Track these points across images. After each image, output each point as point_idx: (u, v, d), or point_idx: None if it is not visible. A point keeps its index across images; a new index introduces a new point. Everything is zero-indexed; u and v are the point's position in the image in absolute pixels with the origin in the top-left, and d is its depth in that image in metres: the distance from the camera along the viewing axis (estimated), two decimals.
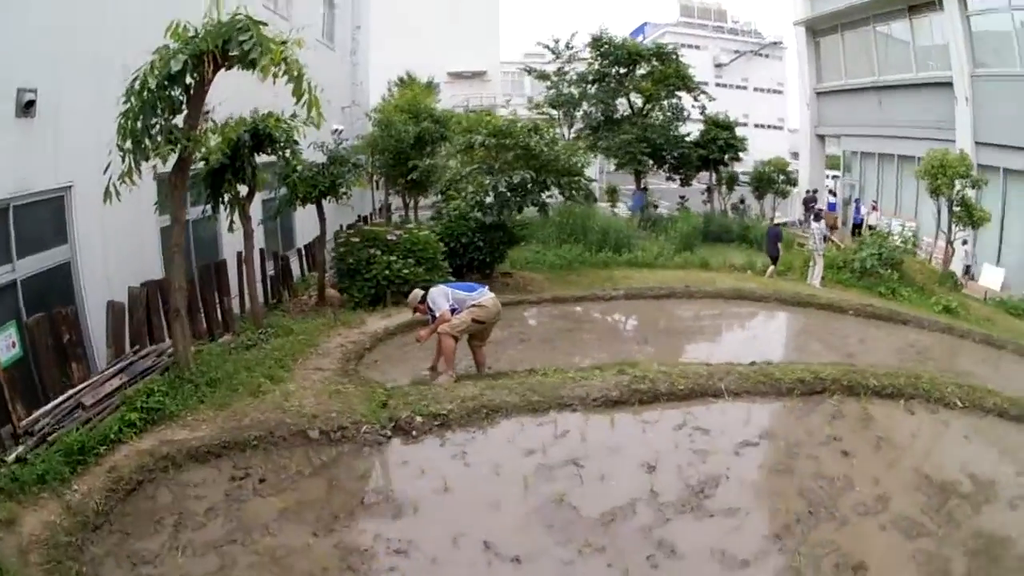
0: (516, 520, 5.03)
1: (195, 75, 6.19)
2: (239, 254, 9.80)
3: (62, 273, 7.57)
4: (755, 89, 55.41)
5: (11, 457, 5.01)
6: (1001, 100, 17.97)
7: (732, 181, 23.71)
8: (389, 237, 10.35)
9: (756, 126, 31.64)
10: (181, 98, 6.52)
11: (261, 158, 8.92)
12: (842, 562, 4.81)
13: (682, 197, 24.31)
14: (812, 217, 17.48)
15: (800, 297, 13.24)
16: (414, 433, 6.04)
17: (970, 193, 16.15)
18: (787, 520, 5.30)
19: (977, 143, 18.31)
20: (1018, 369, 10.52)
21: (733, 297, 13.04)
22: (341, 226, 13.96)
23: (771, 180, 23.40)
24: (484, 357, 7.76)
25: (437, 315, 7.27)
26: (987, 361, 10.74)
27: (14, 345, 5.93)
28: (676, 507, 5.24)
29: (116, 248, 8.57)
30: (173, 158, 6.64)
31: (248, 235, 9.07)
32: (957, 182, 15.82)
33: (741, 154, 22.61)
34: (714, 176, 22.87)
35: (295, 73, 5.91)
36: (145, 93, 6.06)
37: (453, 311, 7.25)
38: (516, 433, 6.26)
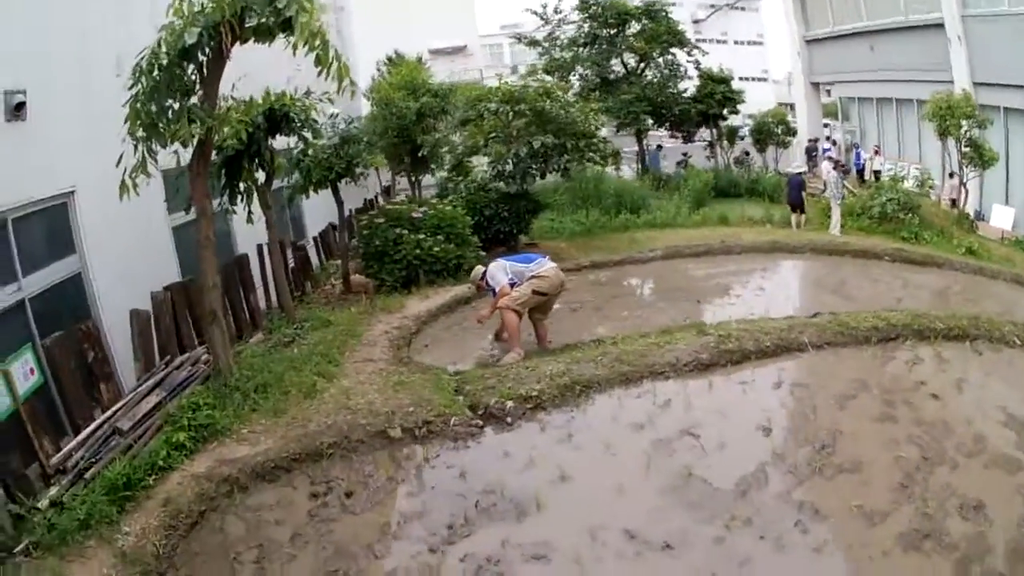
0: (650, 502, 5.16)
1: (210, 49, 6.19)
2: (259, 247, 9.85)
3: (74, 286, 7.55)
4: (735, 42, 57.83)
5: (45, 502, 4.57)
6: (995, 39, 19.18)
7: (733, 135, 25.10)
8: (415, 215, 10.85)
9: (741, 79, 33.05)
10: (193, 77, 6.47)
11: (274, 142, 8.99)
12: (964, 503, 5.46)
13: (685, 154, 25.66)
14: (833, 166, 18.37)
15: (834, 245, 14.35)
16: (508, 420, 6.06)
17: (977, 133, 17.33)
18: (907, 468, 5.94)
19: (975, 83, 19.55)
20: None
21: (770, 250, 14.01)
22: (350, 211, 14.09)
23: (772, 132, 24.76)
24: (546, 331, 8.01)
25: (497, 290, 7.58)
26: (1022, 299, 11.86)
27: (32, 372, 5.44)
28: (804, 468, 5.64)
29: (129, 253, 8.56)
30: (192, 144, 6.57)
31: (271, 224, 9.16)
32: (964, 123, 17.02)
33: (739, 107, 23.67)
34: (715, 131, 24.25)
35: (320, 40, 5.81)
36: (157, 72, 5.97)
37: (512, 285, 7.54)
38: (616, 408, 6.51)
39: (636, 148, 23.99)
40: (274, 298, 9.68)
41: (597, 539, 4.76)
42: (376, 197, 17.79)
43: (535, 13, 23.97)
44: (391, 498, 5.22)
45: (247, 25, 6.03)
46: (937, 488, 5.67)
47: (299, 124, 8.47)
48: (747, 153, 26.15)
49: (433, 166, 15.61)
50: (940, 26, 20.93)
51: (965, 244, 15.41)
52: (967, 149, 17.33)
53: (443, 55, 40.26)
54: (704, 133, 24.83)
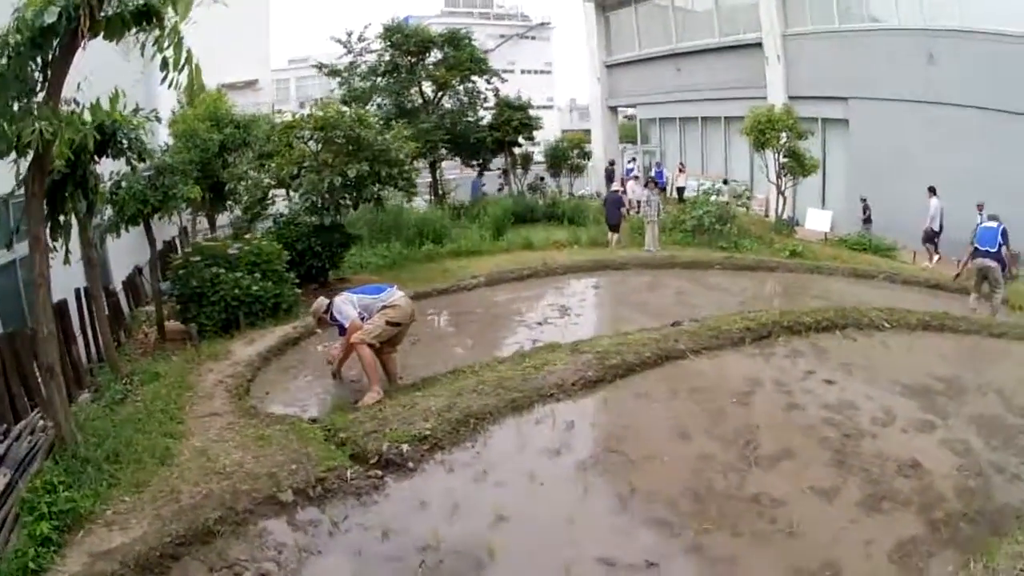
0: (608, 525, 5.48)
1: (63, 35, 5.70)
2: (78, 292, 9.41)
3: None
4: (522, 71, 64.61)
5: None
6: (813, 56, 23.41)
7: (527, 161, 27.73)
8: (230, 252, 10.91)
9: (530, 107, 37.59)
10: (37, 74, 5.85)
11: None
12: (900, 465, 6.35)
13: (478, 183, 27.35)
14: (645, 184, 20.50)
15: (660, 260, 16.27)
16: (410, 465, 6.13)
17: (797, 144, 20.46)
18: (834, 447, 6.74)
19: (791, 97, 23.46)
20: (896, 292, 14.18)
21: (595, 268, 15.48)
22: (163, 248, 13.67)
23: (566, 156, 27.92)
24: (396, 365, 8.35)
25: (346, 325, 7.83)
26: (866, 290, 14.15)
27: None
28: (740, 464, 6.33)
29: None
30: (27, 158, 5.90)
31: (93, 264, 8.90)
32: (784, 135, 20.01)
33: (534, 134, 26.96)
34: (509, 158, 26.51)
35: (176, 37, 5.66)
36: (6, 58, 5.43)
37: (362, 319, 7.79)
38: (519, 437, 6.82)
39: (430, 179, 25.38)
40: (94, 350, 9.57)
41: (576, 575, 4.87)
42: (174, 240, 17.30)
43: (339, 41, 25.19)
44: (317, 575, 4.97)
45: (101, 15, 5.58)
46: (870, 458, 6.52)
47: (127, 145, 8.20)
48: (542, 179, 28.54)
49: (230, 202, 15.93)
50: (754, 45, 25.05)
51: (789, 248, 18.16)
52: (786, 159, 20.21)
53: (234, 89, 40.95)
54: (498, 161, 27.56)
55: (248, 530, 5.30)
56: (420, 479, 6.06)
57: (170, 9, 5.48)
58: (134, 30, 5.62)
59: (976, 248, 12.38)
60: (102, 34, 5.63)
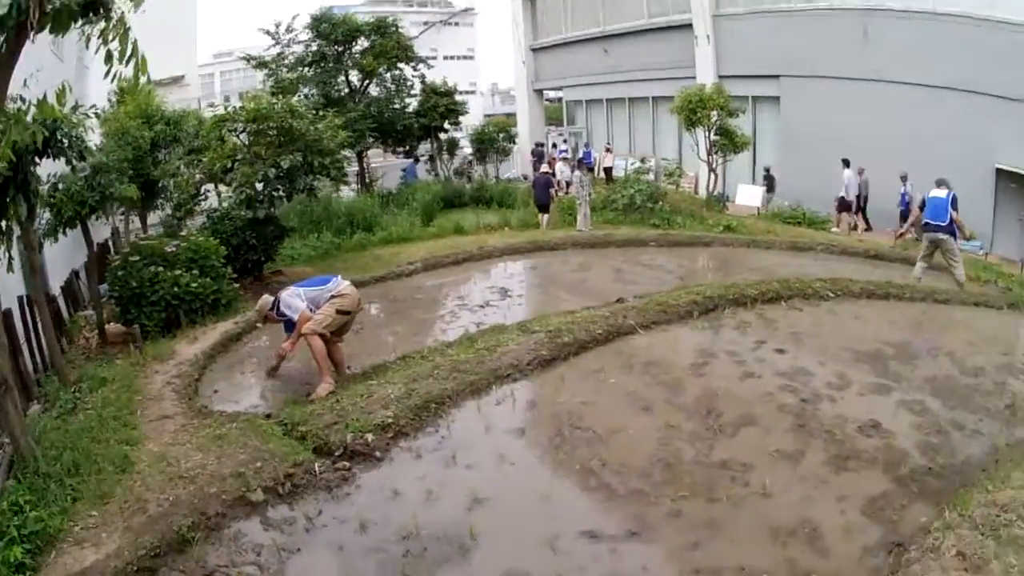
0: (585, 500, 5.64)
1: (12, 26, 5.49)
2: (21, 299, 9.19)
3: None
4: (445, 57, 67.12)
5: None
6: (743, 35, 24.18)
7: (453, 147, 28.67)
8: (168, 249, 10.91)
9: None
10: None
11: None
12: (861, 426, 6.67)
13: (404, 170, 27.72)
14: (576, 166, 20.82)
15: (595, 239, 16.58)
16: (377, 454, 6.19)
17: (730, 121, 21.09)
18: (794, 411, 7.03)
19: (720, 76, 24.23)
20: (836, 262, 14.71)
21: (531, 250, 15.77)
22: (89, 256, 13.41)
23: (492, 140, 28.92)
24: (343, 355, 8.48)
25: (295, 319, 7.90)
26: (806, 262, 14.62)
27: None
28: (705, 433, 6.59)
29: None
30: None
31: (36, 270, 8.89)
32: (714, 113, 20.57)
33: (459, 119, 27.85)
34: (435, 144, 27.35)
35: (122, 29, 5.57)
36: None
37: (310, 311, 7.94)
38: (482, 419, 6.95)
39: (357, 168, 25.53)
40: (38, 359, 9.42)
41: (562, 550, 4.99)
42: (107, 241, 16.94)
43: (267, 33, 25.38)
44: (300, 574, 4.96)
45: (49, 7, 5.36)
46: (830, 420, 6.83)
47: (67, 144, 8.04)
48: (470, 163, 29.20)
49: (161, 200, 16.00)
50: (684, 27, 25.80)
51: (723, 223, 18.50)
52: (717, 137, 20.71)
53: (162, 86, 40.64)
54: (425, 147, 28.10)
55: (223, 534, 5.24)
56: (389, 468, 6.09)
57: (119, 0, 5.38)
58: (80, 22, 5.51)
59: (927, 222, 12.50)
60: (48, 28, 5.50)
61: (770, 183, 22.62)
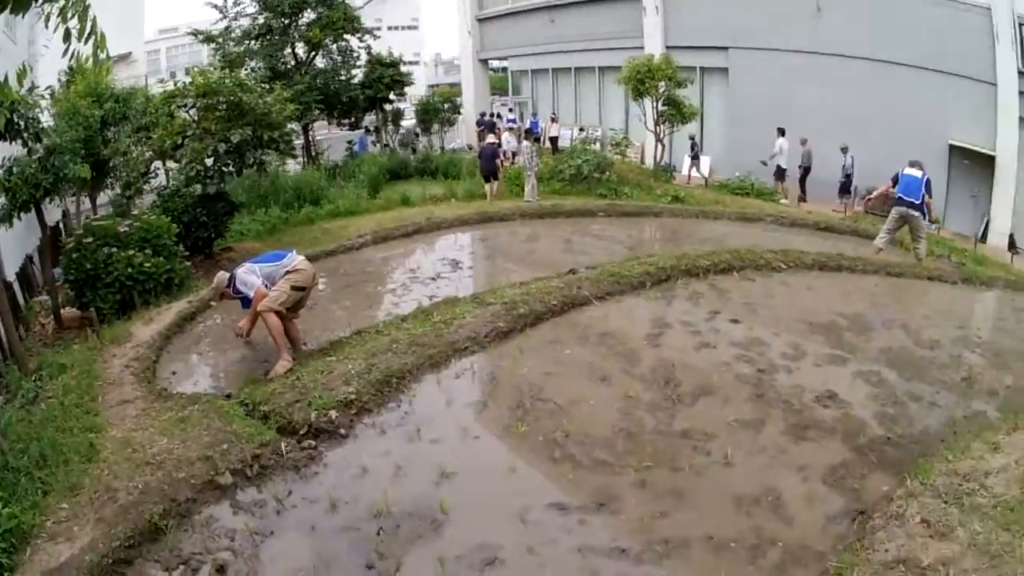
0: (551, 471, 5.65)
1: None
2: None
3: None
4: (389, 28, 67.15)
5: None
6: (691, 6, 24.45)
7: (398, 118, 29.01)
8: (121, 229, 10.78)
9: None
10: None
11: None
12: (819, 396, 6.82)
13: (349, 142, 27.73)
14: (524, 136, 20.89)
15: (544, 209, 16.69)
16: (342, 432, 6.16)
17: (678, 92, 21.34)
18: (751, 382, 7.16)
19: (668, 47, 24.49)
20: (785, 233, 15.08)
21: (480, 221, 15.82)
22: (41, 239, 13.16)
23: (437, 110, 29.30)
24: (299, 331, 8.42)
25: (251, 295, 7.84)
26: (755, 232, 14.95)
27: None
28: (664, 403, 6.68)
29: None
30: None
31: None
32: (662, 84, 20.78)
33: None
34: (380, 115, 27.66)
35: (82, 6, 5.39)
36: None
37: (265, 288, 7.91)
38: (443, 392, 6.97)
39: (302, 141, 25.49)
40: None
41: (532, 522, 5.01)
42: (59, 223, 16.63)
43: (214, 6, 25.13)
44: (275, 557, 4.85)
45: None
46: (787, 390, 6.96)
47: (23, 126, 8.07)
48: (417, 134, 29.27)
49: (111, 180, 15.89)
50: None
51: (671, 193, 19.04)
52: (665, 108, 21.09)
53: (110, 61, 39.69)
54: (370, 118, 28.31)
55: (194, 520, 5.18)
56: (354, 445, 6.07)
57: None
58: (40, 1, 5.27)
59: (900, 197, 12.68)
60: (10, 8, 5.24)
61: (695, 152, 23.42)
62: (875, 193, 13.86)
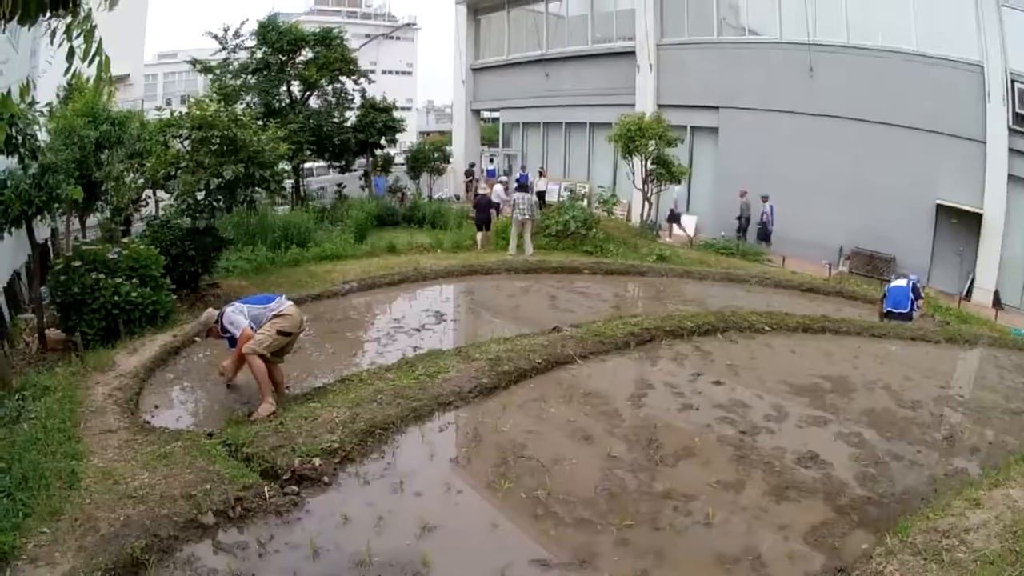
0: (533, 528, 5.72)
1: None
2: None
3: None
4: (384, 72, 70.05)
5: None
6: (684, 66, 25.41)
7: (388, 163, 29.40)
8: (110, 256, 10.88)
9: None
10: None
11: None
12: (800, 457, 7.07)
13: (339, 185, 27.83)
14: (518, 188, 21.39)
15: (529, 265, 17.02)
16: (325, 479, 6.26)
17: (667, 151, 21.96)
18: (733, 443, 7.39)
19: (660, 105, 25.37)
20: (771, 295, 15.42)
21: (465, 274, 16.07)
22: (29, 257, 13.24)
23: (427, 158, 29.74)
24: (282, 376, 8.48)
25: (237, 335, 7.94)
26: (740, 293, 15.37)
27: None
28: (646, 463, 6.85)
29: None
30: None
31: None
32: (652, 142, 21.35)
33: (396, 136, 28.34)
34: (371, 160, 27.92)
35: (88, 25, 5.58)
36: None
37: (252, 330, 7.96)
38: (427, 446, 7.09)
39: (293, 180, 25.64)
40: None
41: None
42: (47, 242, 16.63)
43: (215, 37, 25.37)
44: None
45: None
46: (768, 452, 7.19)
47: (20, 141, 8.18)
48: (404, 187, 29.65)
49: (102, 203, 15.91)
50: (626, 54, 26.97)
51: (656, 252, 19.47)
52: (654, 166, 21.73)
53: (112, 85, 39.87)
54: (360, 162, 28.46)
55: (176, 557, 5.25)
56: (338, 493, 6.17)
57: None
58: (48, 15, 5.51)
59: (889, 311, 13.11)
60: (17, 18, 5.47)
61: (674, 218, 24.07)
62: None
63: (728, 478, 6.60)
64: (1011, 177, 18.07)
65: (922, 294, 13.50)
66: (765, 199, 21.58)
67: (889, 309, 13.09)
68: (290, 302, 8.45)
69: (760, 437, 7.53)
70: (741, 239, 22.10)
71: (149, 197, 16.11)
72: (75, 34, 5.31)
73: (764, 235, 21.77)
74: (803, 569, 5.21)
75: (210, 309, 8.53)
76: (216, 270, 14.85)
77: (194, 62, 25.94)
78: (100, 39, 5.37)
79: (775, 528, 5.77)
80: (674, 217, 23.16)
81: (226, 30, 25.15)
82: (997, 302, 18.10)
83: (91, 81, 5.86)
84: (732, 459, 7.01)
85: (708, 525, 5.79)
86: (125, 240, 12.34)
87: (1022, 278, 18.57)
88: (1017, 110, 17.77)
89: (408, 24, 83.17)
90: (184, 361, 9.83)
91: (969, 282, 18.91)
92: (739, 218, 22.46)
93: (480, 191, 22.19)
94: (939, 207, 19.34)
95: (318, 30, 25.41)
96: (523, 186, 21.27)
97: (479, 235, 20.03)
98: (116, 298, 10.55)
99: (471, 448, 7.11)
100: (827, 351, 10.75)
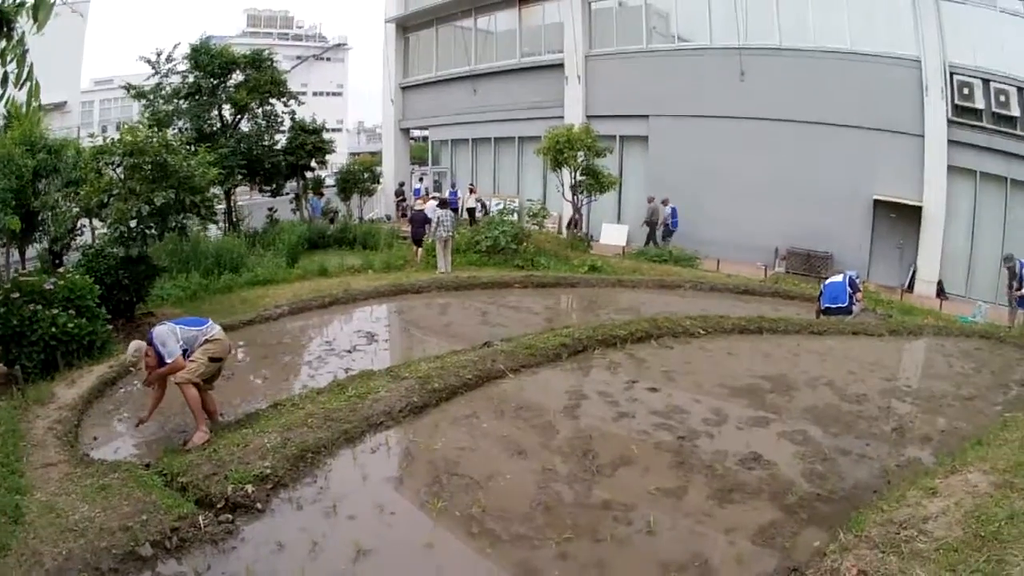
0: (471, 547, 5.56)
1: None
2: None
3: None
4: (315, 93, 70.45)
5: None
6: (611, 76, 25.59)
7: (319, 186, 29.44)
8: (46, 286, 10.71)
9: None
10: None
11: None
12: (743, 459, 6.91)
13: (271, 209, 27.45)
14: (438, 204, 21.23)
15: (460, 281, 16.87)
16: (258, 506, 6.15)
17: (597, 161, 21.98)
18: (671, 449, 7.22)
19: (589, 116, 25.46)
20: (706, 299, 15.44)
21: (395, 293, 15.91)
22: None
23: (357, 179, 29.70)
24: (215, 403, 8.40)
25: (169, 361, 7.76)
26: (674, 299, 15.38)
27: None
28: (583, 474, 6.68)
29: None
30: None
31: None
32: (581, 153, 21.39)
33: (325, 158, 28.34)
34: (301, 183, 27.84)
35: (20, 50, 5.28)
36: None
37: (186, 352, 7.87)
38: (359, 468, 6.94)
39: (225, 206, 25.35)
40: None
41: None
42: None
43: (147, 61, 24.99)
44: None
45: None
46: (709, 455, 7.02)
47: None
48: (336, 210, 29.42)
49: (39, 233, 15.58)
50: (555, 67, 27.09)
51: (588, 263, 19.68)
52: (584, 177, 21.77)
53: (44, 112, 39.22)
54: (291, 185, 28.22)
55: None
56: (271, 520, 6.06)
57: (23, 18, 5.09)
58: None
59: (827, 307, 13.17)
60: None
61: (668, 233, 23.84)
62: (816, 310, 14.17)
63: (669, 484, 6.42)
64: (951, 168, 18.59)
65: (860, 287, 13.61)
66: (665, 202, 22.30)
67: (827, 305, 13.14)
68: (219, 327, 8.35)
69: (700, 441, 7.37)
70: (663, 245, 22.53)
71: (84, 226, 15.85)
72: (8, 59, 5.06)
73: (668, 235, 22.51)
74: (754, 571, 5.04)
75: (136, 341, 8.29)
76: (150, 298, 14.74)
77: (128, 87, 25.63)
78: (31, 64, 5.11)
79: (721, 532, 5.59)
80: (668, 232, 23.02)
81: (159, 54, 24.89)
82: (941, 292, 18.52)
83: (24, 108, 5.53)
84: (672, 465, 6.84)
85: (651, 533, 5.58)
86: (60, 271, 12.15)
87: (966, 267, 19.08)
88: (956, 102, 18.29)
89: (339, 45, 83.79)
90: (121, 391, 9.73)
91: (911, 274, 19.33)
92: (647, 223, 23.02)
93: (416, 207, 22.48)
94: (877, 202, 19.74)
95: (249, 52, 25.33)
96: (444, 202, 21.10)
97: (418, 250, 20.15)
98: (54, 329, 10.45)
99: (403, 468, 6.93)
100: (765, 351, 10.68)
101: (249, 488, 6.24)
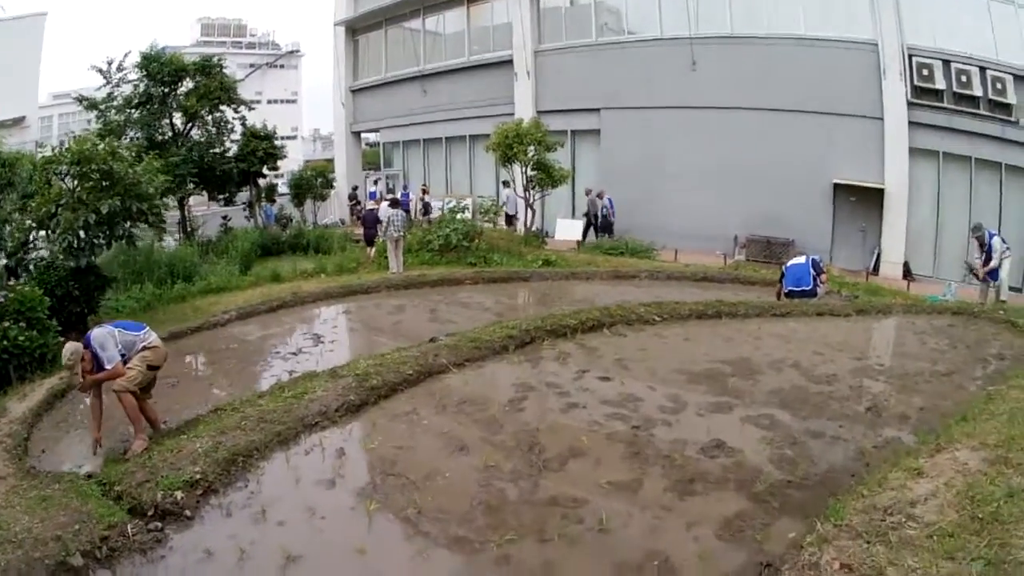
0: (408, 551, 5.23)
1: None
2: None
3: None
4: (269, 101, 71.00)
5: None
6: (562, 70, 25.31)
7: (272, 192, 29.07)
8: None
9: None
10: None
11: None
12: (704, 447, 6.42)
13: (225, 217, 27.08)
14: (389, 204, 20.80)
15: (410, 280, 16.46)
16: (187, 513, 5.91)
17: (548, 156, 21.48)
18: (625, 440, 6.74)
19: (539, 112, 25.05)
20: (663, 288, 15.04)
21: (345, 295, 15.48)
22: None
23: (310, 184, 29.26)
24: (156, 412, 8.23)
25: (108, 366, 7.58)
26: (630, 289, 15.00)
27: None
28: (529, 470, 6.23)
29: None
30: None
31: None
32: (531, 148, 20.87)
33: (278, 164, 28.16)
34: (254, 190, 27.63)
35: None
36: None
37: (124, 358, 7.70)
38: (291, 471, 6.59)
39: (179, 215, 25.18)
40: None
41: None
42: None
43: (99, 71, 24.57)
44: None
45: None
46: (667, 445, 6.54)
47: None
48: (289, 215, 28.94)
49: None
50: (504, 63, 26.68)
51: (542, 258, 19.10)
52: (535, 172, 21.05)
53: (3, 127, 39.00)
54: (245, 193, 27.92)
55: None
56: (200, 527, 5.86)
57: None
58: None
59: (791, 290, 12.83)
60: None
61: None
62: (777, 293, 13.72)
63: (623, 477, 5.93)
64: (913, 150, 18.43)
65: (824, 269, 13.29)
66: (601, 195, 22.12)
67: (791, 288, 12.78)
68: (155, 334, 8.21)
69: (656, 430, 6.89)
70: (601, 237, 22.45)
71: (37, 239, 15.46)
72: None
73: (606, 227, 22.26)
74: (720, 569, 4.57)
75: (70, 343, 7.93)
76: (103, 309, 14.53)
77: (80, 99, 25.34)
78: None
79: (682, 527, 5.10)
80: (607, 224, 22.86)
81: (109, 63, 24.50)
82: (908, 273, 18.36)
83: None
84: (625, 456, 6.37)
85: (603, 531, 5.08)
86: (11, 283, 12.17)
87: (932, 248, 18.93)
88: (916, 83, 18.12)
89: (292, 52, 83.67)
90: (71, 404, 9.48)
91: (875, 257, 19.15)
92: (586, 215, 22.95)
93: (369, 207, 22.46)
94: (836, 186, 19.55)
95: (199, 59, 25.11)
96: (395, 202, 20.62)
97: (370, 250, 20.11)
98: (5, 343, 10.40)
99: (336, 469, 6.52)
100: (725, 336, 10.25)
101: (179, 495, 6.04)
